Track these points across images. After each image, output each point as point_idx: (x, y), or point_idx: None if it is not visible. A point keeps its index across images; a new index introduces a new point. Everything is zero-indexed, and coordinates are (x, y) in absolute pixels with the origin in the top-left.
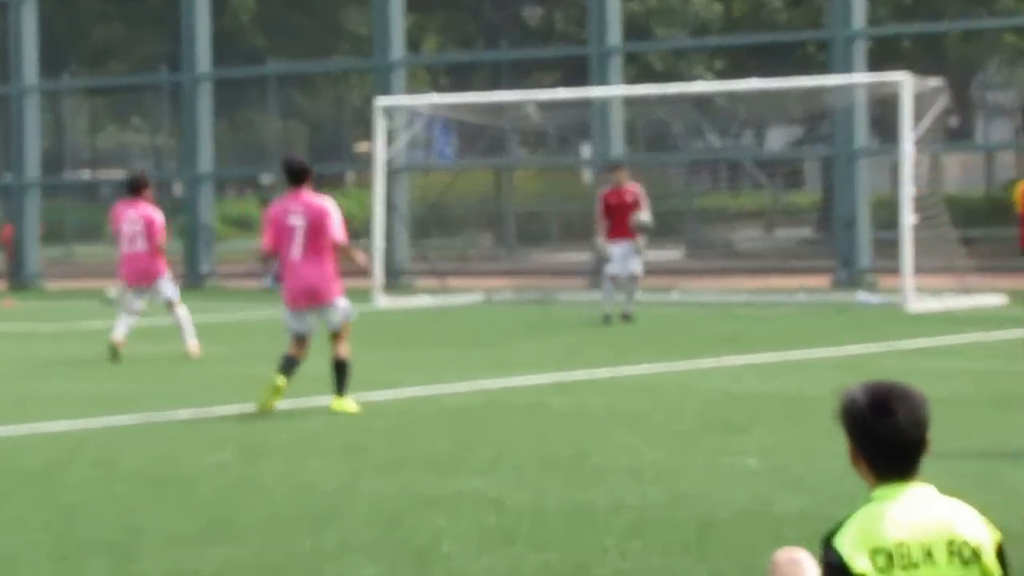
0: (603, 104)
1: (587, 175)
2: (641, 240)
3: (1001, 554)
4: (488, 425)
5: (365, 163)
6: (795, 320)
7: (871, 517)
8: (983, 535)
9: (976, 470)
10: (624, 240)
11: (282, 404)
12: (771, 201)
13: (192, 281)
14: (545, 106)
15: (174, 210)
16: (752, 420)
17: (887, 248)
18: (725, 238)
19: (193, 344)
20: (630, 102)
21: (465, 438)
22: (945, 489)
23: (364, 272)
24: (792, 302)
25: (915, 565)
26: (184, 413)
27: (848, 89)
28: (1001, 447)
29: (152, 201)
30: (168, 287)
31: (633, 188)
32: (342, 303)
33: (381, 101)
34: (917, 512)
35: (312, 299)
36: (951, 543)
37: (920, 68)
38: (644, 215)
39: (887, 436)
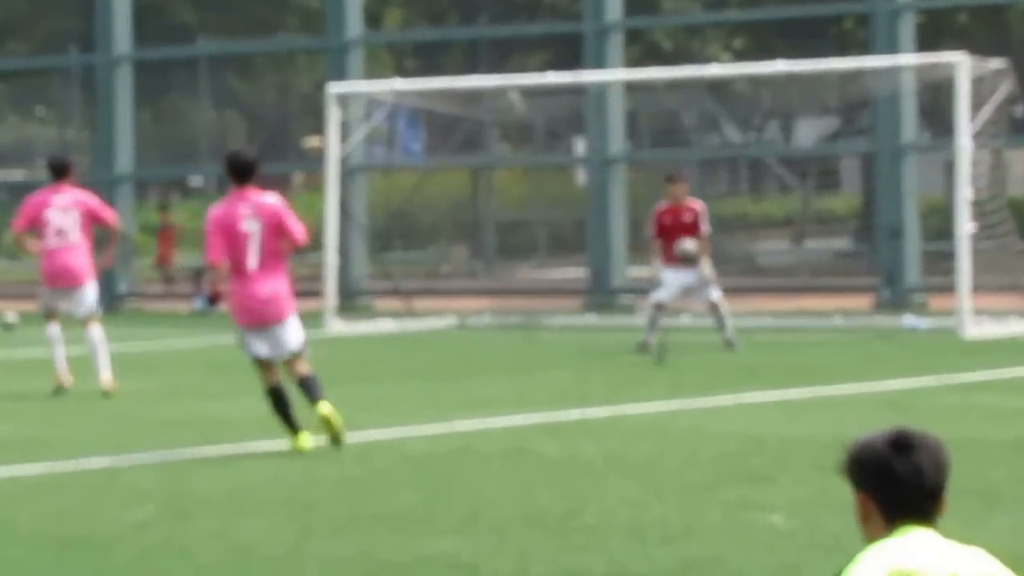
0: (600, 91)
1: (581, 176)
2: (706, 265)
3: None
4: (462, 475)
5: (315, 162)
6: (829, 349)
7: (884, 549)
8: None
9: None
10: (681, 266)
11: (212, 450)
12: (801, 207)
13: (106, 303)
14: (531, 93)
15: None
16: (778, 469)
17: (939, 263)
18: (745, 251)
19: (107, 377)
20: (632, 89)
21: (434, 491)
22: (1012, 542)
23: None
24: (826, 327)
25: None
26: (97, 461)
27: (893, 72)
28: None
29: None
30: (94, 295)
31: (694, 205)
32: (296, 323)
33: (334, 88)
34: (934, 547)
35: (272, 316)
36: None
37: (979, 47)
38: (690, 243)
39: (906, 475)
